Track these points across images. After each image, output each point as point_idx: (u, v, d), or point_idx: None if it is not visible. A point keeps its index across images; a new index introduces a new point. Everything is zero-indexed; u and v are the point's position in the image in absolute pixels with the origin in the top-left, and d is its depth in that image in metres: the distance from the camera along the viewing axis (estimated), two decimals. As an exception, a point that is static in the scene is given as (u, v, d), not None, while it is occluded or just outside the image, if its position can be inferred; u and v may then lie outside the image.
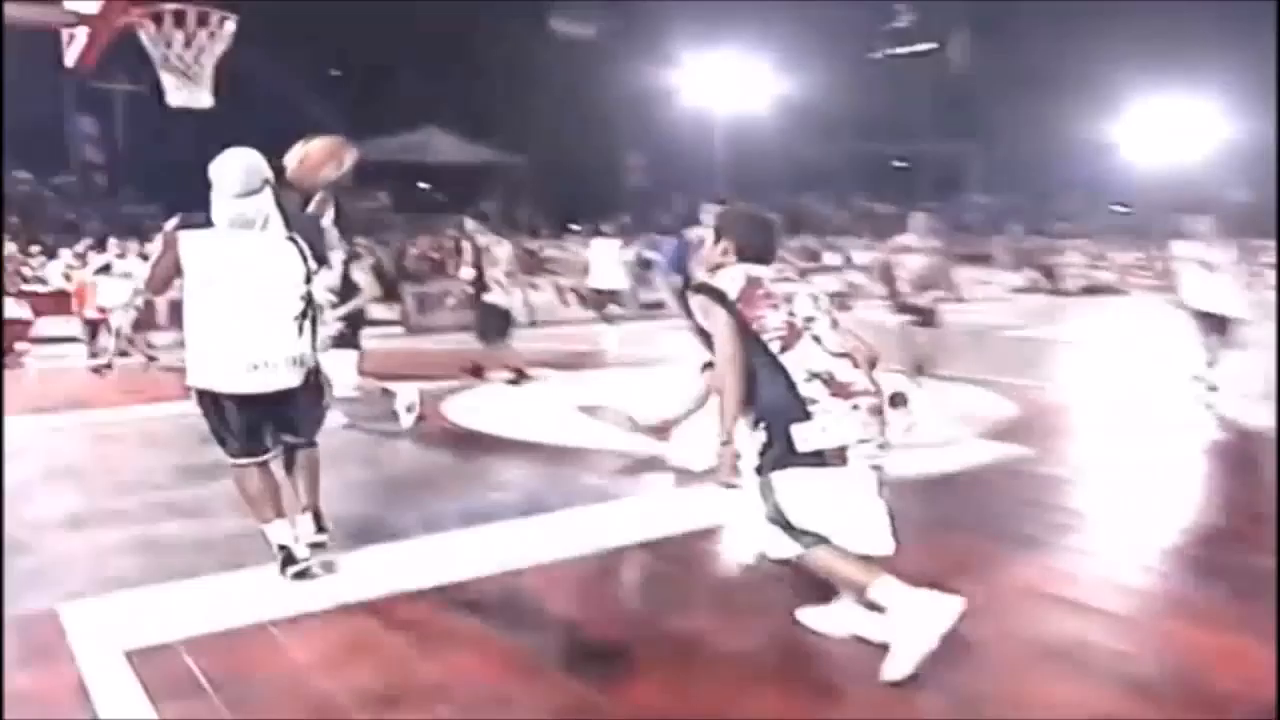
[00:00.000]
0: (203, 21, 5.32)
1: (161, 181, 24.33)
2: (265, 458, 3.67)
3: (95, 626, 3.22)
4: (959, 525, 4.35)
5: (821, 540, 2.86)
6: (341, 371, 6.42)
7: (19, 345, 11.66)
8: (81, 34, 5.92)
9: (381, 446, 6.33)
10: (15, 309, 11.58)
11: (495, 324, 8.97)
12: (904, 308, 7.33)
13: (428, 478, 5.44)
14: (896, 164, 35.75)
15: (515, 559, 3.85)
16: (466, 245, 9.10)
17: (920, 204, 19.55)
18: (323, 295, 6.33)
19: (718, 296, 2.96)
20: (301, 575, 3.58)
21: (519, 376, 8.87)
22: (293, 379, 3.55)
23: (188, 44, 5.35)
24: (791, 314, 2.94)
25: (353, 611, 3.36)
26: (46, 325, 12.05)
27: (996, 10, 30.18)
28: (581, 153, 29.48)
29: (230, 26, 5.41)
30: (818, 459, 2.80)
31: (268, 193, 3.49)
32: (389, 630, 3.22)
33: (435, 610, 3.39)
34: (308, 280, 3.56)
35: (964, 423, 6.57)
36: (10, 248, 14.16)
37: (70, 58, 6.33)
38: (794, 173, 31.99)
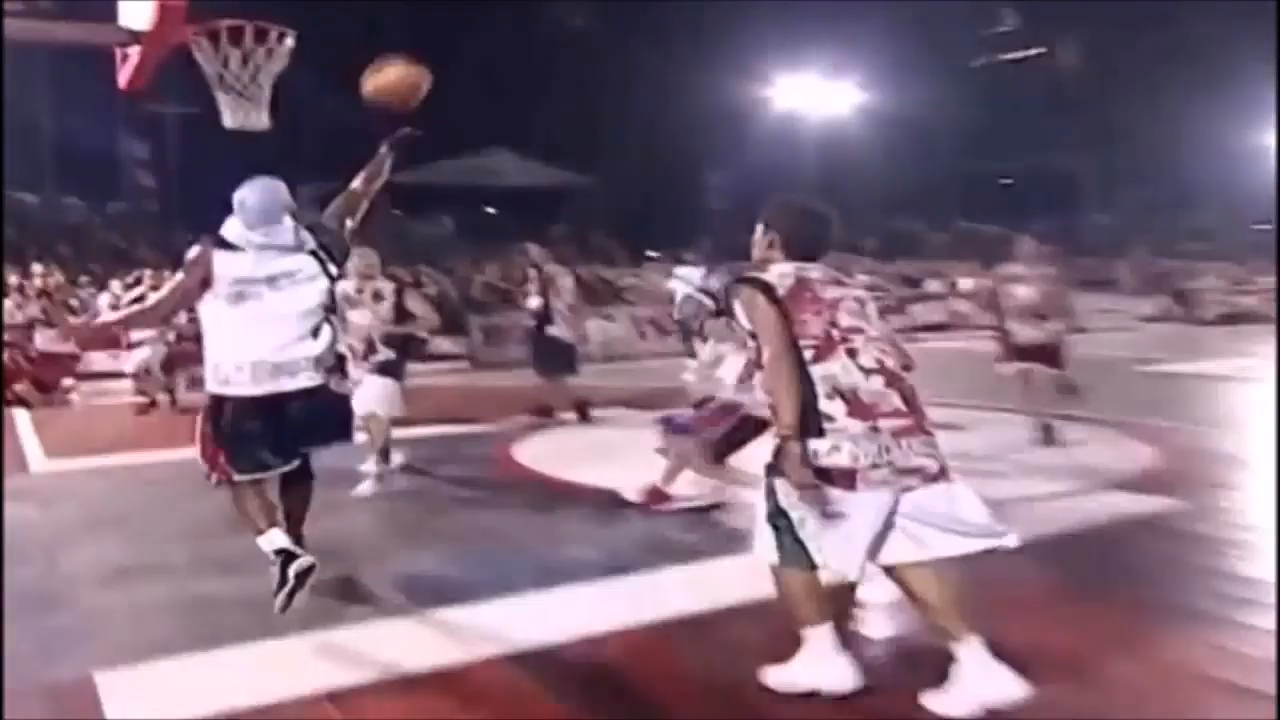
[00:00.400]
0: (260, 38, 5.39)
1: (215, 208, 25.12)
2: (269, 474, 3.91)
3: (133, 698, 3.16)
4: (1098, 592, 4.07)
5: (804, 563, 2.94)
6: (377, 397, 6.39)
7: (66, 381, 12.02)
8: (134, 53, 6.04)
9: (445, 492, 6.28)
10: (61, 343, 11.95)
11: (559, 358, 8.92)
12: (1018, 349, 7.11)
13: (497, 530, 5.35)
14: (1002, 181, 35.07)
15: (596, 624, 3.71)
16: (532, 273, 9.12)
17: (1031, 224, 19.11)
18: (373, 326, 6.42)
19: (766, 291, 2.99)
20: (305, 574, 3.59)
21: (582, 415, 8.79)
22: (314, 379, 3.83)
23: (244, 62, 5.44)
24: (833, 323, 2.97)
25: (415, 683, 3.25)
26: (96, 360, 12.40)
27: (1113, 7, 29.48)
28: (659, 174, 29.56)
29: (289, 43, 5.48)
30: (823, 476, 2.86)
31: (288, 221, 3.90)
32: (456, 705, 3.10)
33: (507, 682, 3.26)
34: (330, 288, 3.95)
35: (1097, 471, 6.24)
36: (58, 278, 14.64)
37: (123, 78, 6.47)
38: (889, 192, 31.65)
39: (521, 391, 9.39)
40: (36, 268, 14.86)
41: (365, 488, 6.15)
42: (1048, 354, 7.17)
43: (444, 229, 31.17)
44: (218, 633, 3.68)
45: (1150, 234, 28.90)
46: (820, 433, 2.88)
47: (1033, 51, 34.30)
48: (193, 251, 3.95)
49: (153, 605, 4.09)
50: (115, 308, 13.86)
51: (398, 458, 6.58)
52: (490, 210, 30.90)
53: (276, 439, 3.84)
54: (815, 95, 27.97)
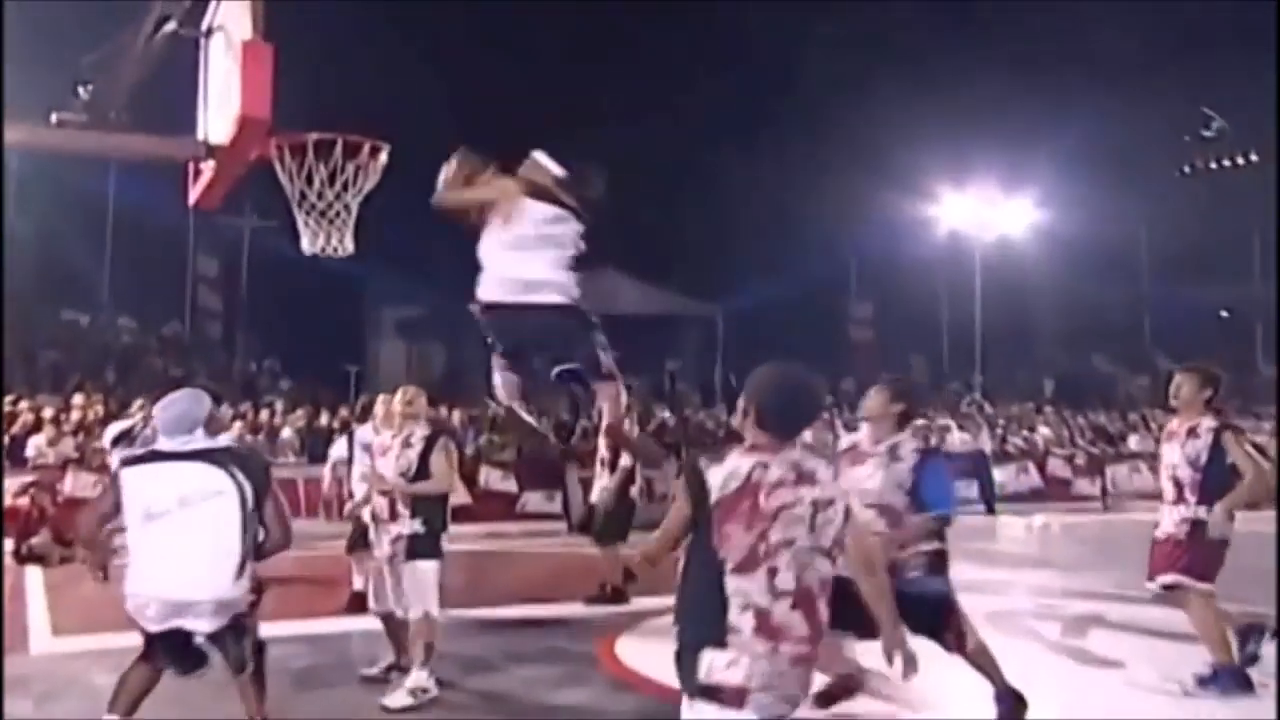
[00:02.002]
0: (351, 153, 5.62)
1: (281, 334, 26.15)
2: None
3: None
4: None
5: None
6: (423, 592, 6.18)
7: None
8: (208, 168, 6.37)
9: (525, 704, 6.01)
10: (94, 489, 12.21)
11: (617, 518, 8.70)
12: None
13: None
14: (1221, 313, 34.05)
15: None
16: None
17: (1258, 368, 18.29)
18: (394, 482, 6.30)
19: (695, 490, 3.24)
20: None
21: (614, 593, 8.52)
22: (216, 624, 4.51)
23: (331, 180, 5.66)
24: (765, 535, 3.17)
25: None
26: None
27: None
28: (794, 302, 29.68)
29: (382, 159, 5.70)
30: (713, 692, 3.11)
31: (200, 433, 4.65)
32: None
33: None
34: (245, 526, 4.52)
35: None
36: (99, 410, 15.06)
37: (194, 194, 6.82)
38: (1076, 326, 31.03)
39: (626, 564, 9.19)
40: (77, 399, 15.38)
41: (399, 698, 5.98)
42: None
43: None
44: None
45: None
46: (722, 643, 3.14)
47: (1253, 157, 33.60)
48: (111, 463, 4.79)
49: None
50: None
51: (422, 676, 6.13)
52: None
53: (176, 655, 4.63)
54: (985, 213, 27.88)
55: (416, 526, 6.24)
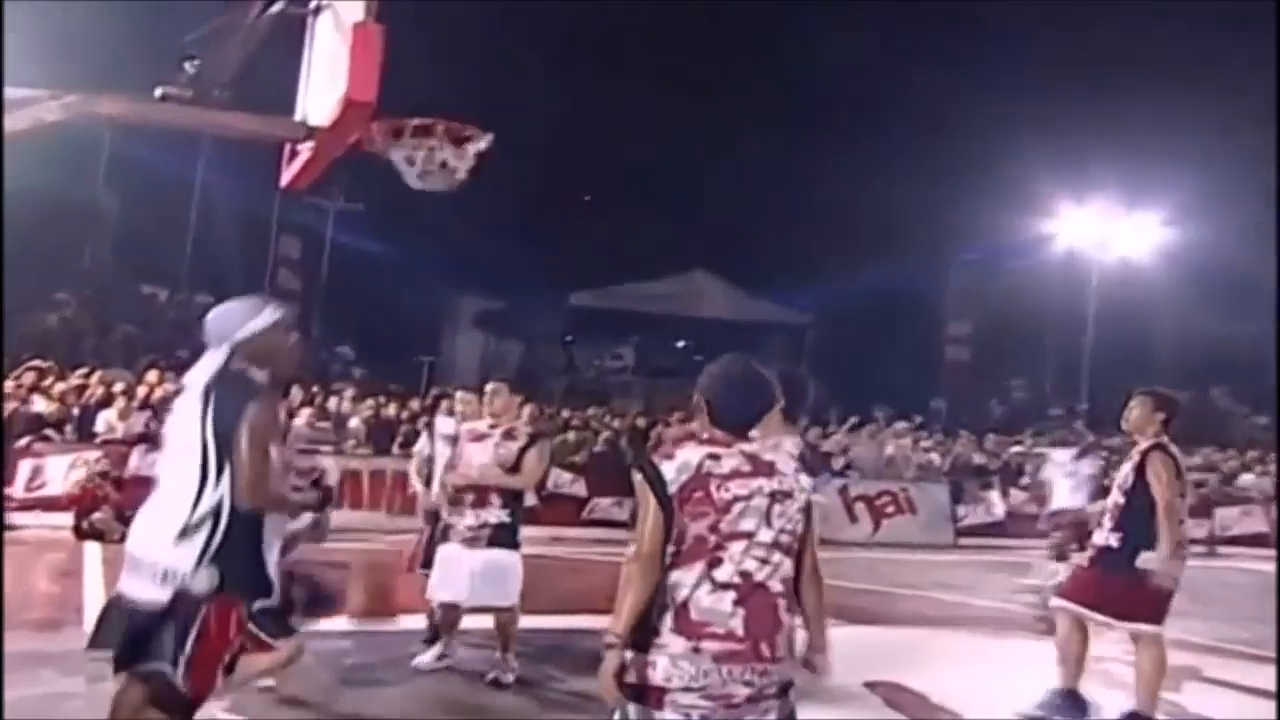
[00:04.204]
0: (451, 140, 5.87)
1: (357, 320, 26.71)
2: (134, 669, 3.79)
3: None
4: None
5: None
6: (510, 581, 6.57)
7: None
8: (305, 150, 6.67)
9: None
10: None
11: None
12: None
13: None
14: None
15: None
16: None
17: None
18: (490, 472, 6.59)
19: (653, 483, 3.31)
20: None
21: None
22: (158, 594, 3.72)
23: (429, 164, 5.92)
24: (713, 527, 3.25)
25: None
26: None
27: None
28: (888, 315, 29.59)
29: (483, 145, 5.95)
30: (637, 692, 3.21)
31: (223, 350, 3.88)
32: None
33: None
34: (203, 476, 3.73)
35: None
36: (168, 386, 15.42)
37: (287, 175, 7.11)
38: (1196, 358, 30.36)
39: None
40: (151, 376, 15.81)
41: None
42: None
43: (622, 363, 32.03)
44: None
45: None
46: (647, 644, 3.24)
47: None
48: None
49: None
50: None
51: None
52: (680, 344, 31.57)
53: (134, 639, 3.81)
54: (1106, 230, 27.42)
55: (504, 517, 6.58)
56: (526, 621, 6.97)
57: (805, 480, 3.43)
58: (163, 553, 3.72)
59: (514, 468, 6.66)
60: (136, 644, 3.74)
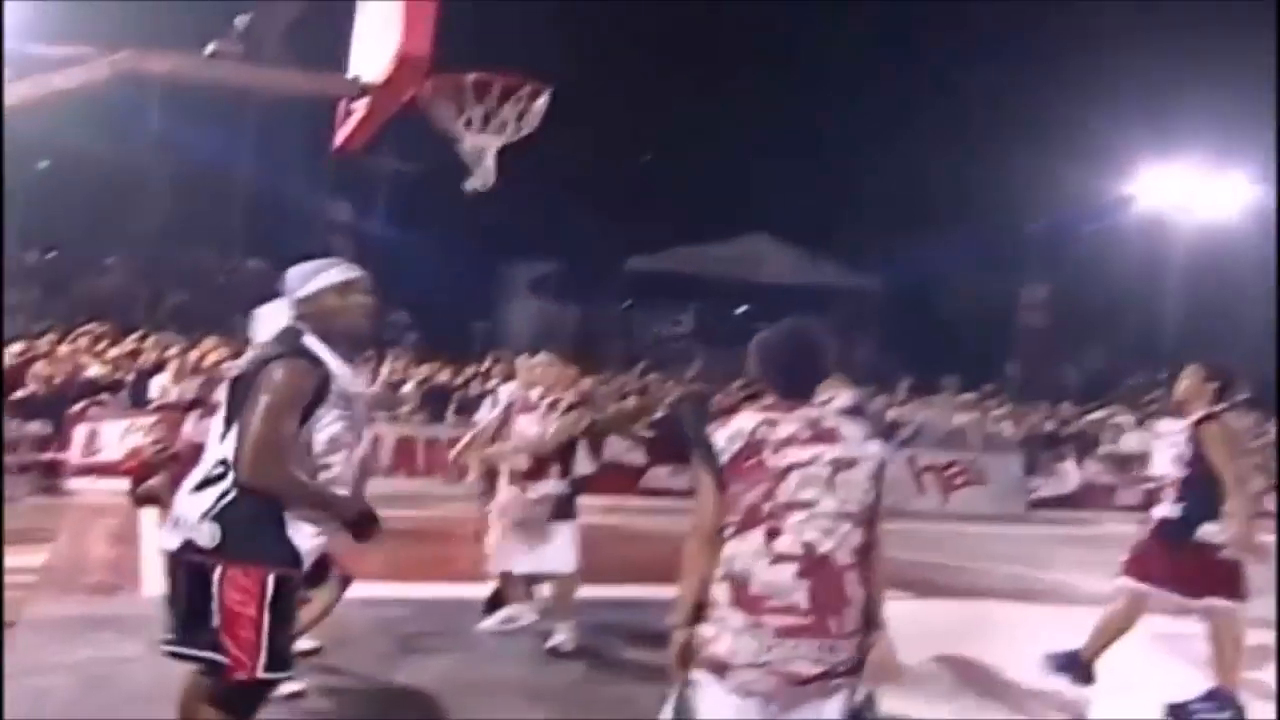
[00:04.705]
0: (510, 95, 5.86)
1: (411, 285, 26.87)
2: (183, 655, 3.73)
3: None
4: None
5: None
6: (570, 550, 6.71)
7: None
8: (360, 107, 6.69)
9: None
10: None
11: None
12: None
13: None
14: None
15: None
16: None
17: None
18: (544, 443, 6.70)
19: (707, 458, 3.30)
20: None
21: None
22: (170, 541, 3.70)
23: (486, 121, 5.92)
24: (768, 495, 3.21)
25: None
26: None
27: None
28: (959, 279, 29.25)
29: (542, 102, 5.93)
30: (703, 661, 3.21)
31: (279, 307, 3.87)
32: None
33: None
34: (223, 437, 3.68)
35: None
36: (222, 353, 15.53)
37: (341, 135, 7.15)
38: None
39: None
40: (208, 343, 15.91)
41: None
42: None
43: (681, 329, 31.96)
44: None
45: None
46: (707, 618, 3.24)
47: None
48: None
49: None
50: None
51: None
52: (741, 310, 31.45)
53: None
54: (1191, 192, 26.85)
55: (563, 487, 6.73)
56: (584, 591, 7.03)
57: (873, 446, 3.35)
58: (180, 501, 3.73)
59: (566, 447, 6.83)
60: (180, 624, 3.72)
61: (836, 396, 4.85)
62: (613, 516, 12.08)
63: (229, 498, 3.60)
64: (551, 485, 6.69)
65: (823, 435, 3.29)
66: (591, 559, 7.03)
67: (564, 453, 6.87)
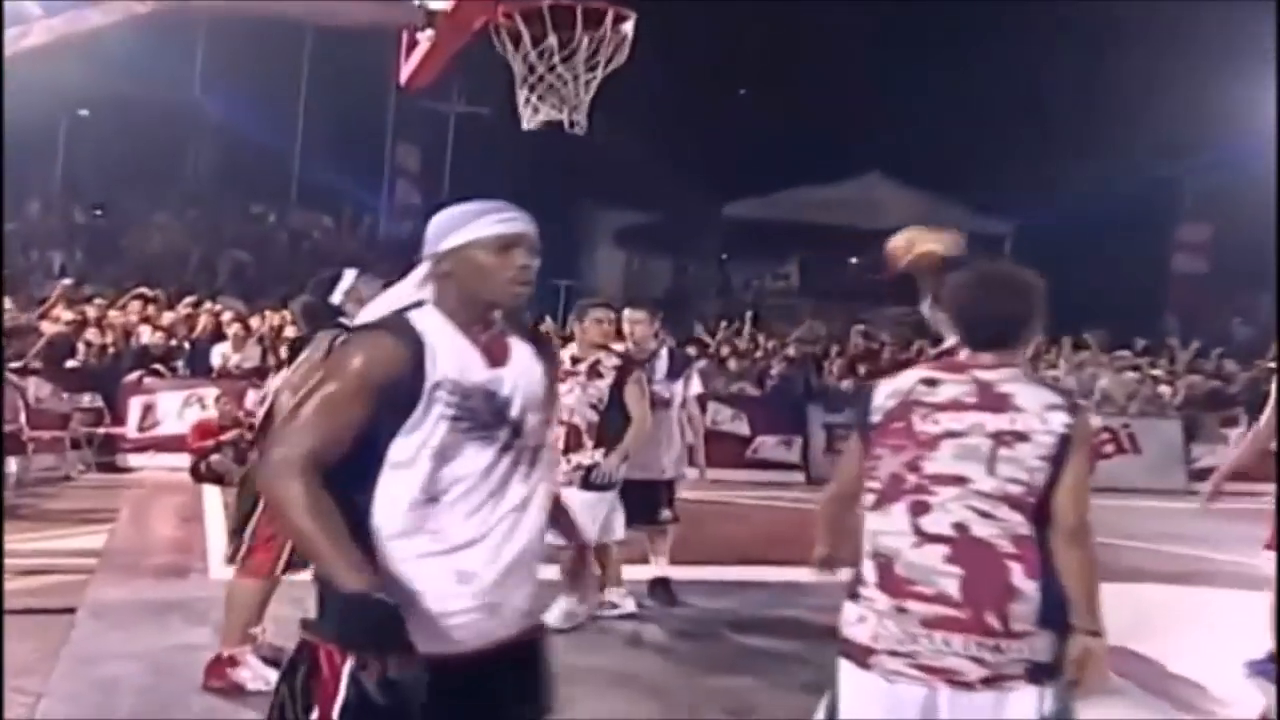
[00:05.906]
0: (592, 21, 5.84)
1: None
2: None
3: None
4: None
5: None
6: (614, 520, 6.89)
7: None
8: (424, 39, 6.73)
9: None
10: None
11: None
12: None
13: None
14: None
15: None
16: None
17: None
18: (580, 412, 6.82)
19: (858, 411, 3.34)
20: None
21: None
22: None
23: (566, 53, 5.91)
24: (912, 465, 3.15)
25: None
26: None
27: None
28: (1104, 222, 28.66)
29: (627, 29, 5.90)
30: (847, 648, 3.19)
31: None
32: None
33: None
34: None
35: None
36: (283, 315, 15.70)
37: (406, 70, 7.20)
38: None
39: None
40: (271, 314, 16.03)
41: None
42: None
43: (785, 283, 31.79)
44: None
45: None
46: (855, 594, 3.22)
47: None
48: None
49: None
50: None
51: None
52: (853, 260, 31.23)
53: None
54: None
55: (598, 457, 6.79)
56: (681, 573, 7.06)
57: (1059, 419, 3.09)
58: None
59: (612, 405, 6.87)
60: None
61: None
62: (716, 491, 12.06)
63: None
64: (586, 455, 6.78)
65: (990, 403, 3.14)
66: (692, 538, 7.04)
67: (603, 422, 6.92)
